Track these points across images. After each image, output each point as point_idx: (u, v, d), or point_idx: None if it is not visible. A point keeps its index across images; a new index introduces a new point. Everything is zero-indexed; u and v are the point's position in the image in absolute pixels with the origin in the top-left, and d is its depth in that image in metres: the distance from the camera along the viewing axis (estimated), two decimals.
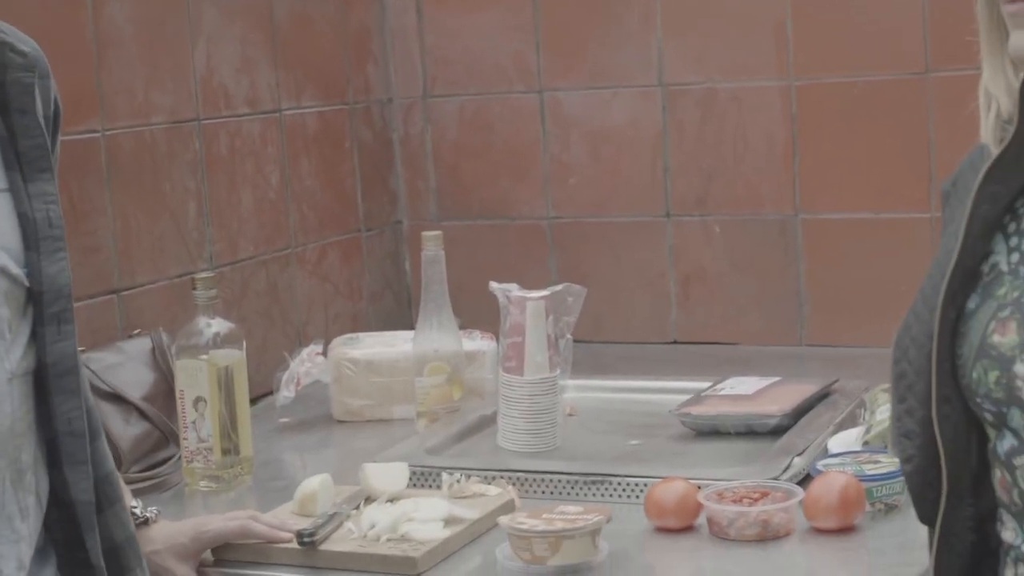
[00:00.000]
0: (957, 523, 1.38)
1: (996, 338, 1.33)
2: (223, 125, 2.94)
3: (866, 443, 2.23)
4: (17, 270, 1.49)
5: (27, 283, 1.50)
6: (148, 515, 2.00)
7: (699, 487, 2.06)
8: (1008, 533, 1.36)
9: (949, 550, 1.39)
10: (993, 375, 1.32)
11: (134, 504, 1.98)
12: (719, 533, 2.00)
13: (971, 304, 1.36)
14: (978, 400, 1.34)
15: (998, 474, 1.35)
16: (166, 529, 2.02)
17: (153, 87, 2.76)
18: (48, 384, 1.53)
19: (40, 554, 1.56)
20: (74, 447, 1.55)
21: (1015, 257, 1.35)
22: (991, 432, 1.36)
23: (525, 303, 2.40)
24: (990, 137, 1.39)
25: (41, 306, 1.51)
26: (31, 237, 1.51)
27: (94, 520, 1.58)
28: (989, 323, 1.34)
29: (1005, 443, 1.34)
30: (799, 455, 2.22)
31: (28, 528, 1.52)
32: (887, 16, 3.02)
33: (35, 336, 1.52)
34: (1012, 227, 1.37)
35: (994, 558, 1.39)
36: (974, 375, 1.34)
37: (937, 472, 1.37)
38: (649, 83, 3.24)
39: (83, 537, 1.58)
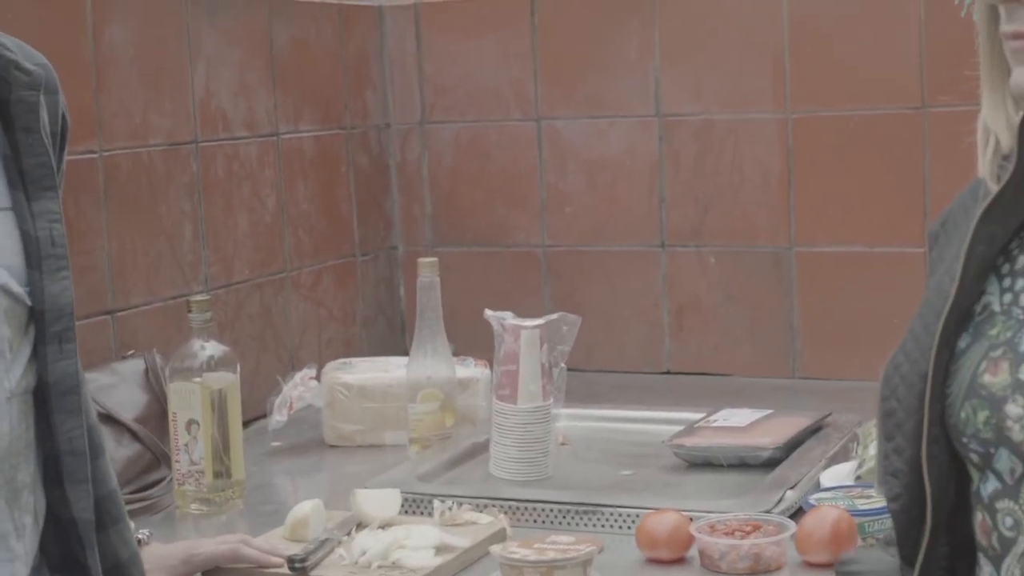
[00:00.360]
0: (932, 562, 1.38)
1: (987, 378, 1.32)
2: (220, 148, 2.94)
3: (859, 478, 2.23)
4: (19, 289, 1.48)
5: (29, 302, 1.49)
6: (140, 537, 2.00)
7: (691, 519, 2.05)
8: None
9: None
10: (982, 415, 1.32)
11: None
12: (710, 566, 2.00)
13: (962, 343, 1.36)
14: (964, 440, 1.34)
15: (979, 517, 1.35)
16: (157, 551, 2.01)
17: (152, 109, 2.77)
18: (49, 403, 1.52)
19: (35, 573, 1.55)
20: (75, 466, 1.55)
21: (1008, 297, 1.35)
22: (975, 474, 1.35)
23: (519, 331, 2.40)
24: (987, 172, 1.38)
25: (43, 325, 1.50)
26: (33, 256, 1.50)
27: (94, 539, 1.57)
28: (980, 363, 1.33)
29: (989, 486, 1.33)
30: (791, 488, 2.22)
31: (24, 547, 1.51)
32: (884, 51, 3.03)
33: (36, 355, 1.52)
34: (1006, 268, 1.37)
35: None
36: (962, 415, 1.33)
37: (920, 511, 1.37)
38: (646, 113, 3.25)
39: (78, 555, 1.57)
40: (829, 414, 2.59)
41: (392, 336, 3.45)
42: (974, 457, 1.34)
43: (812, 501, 2.12)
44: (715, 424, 2.56)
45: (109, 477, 1.63)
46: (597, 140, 3.29)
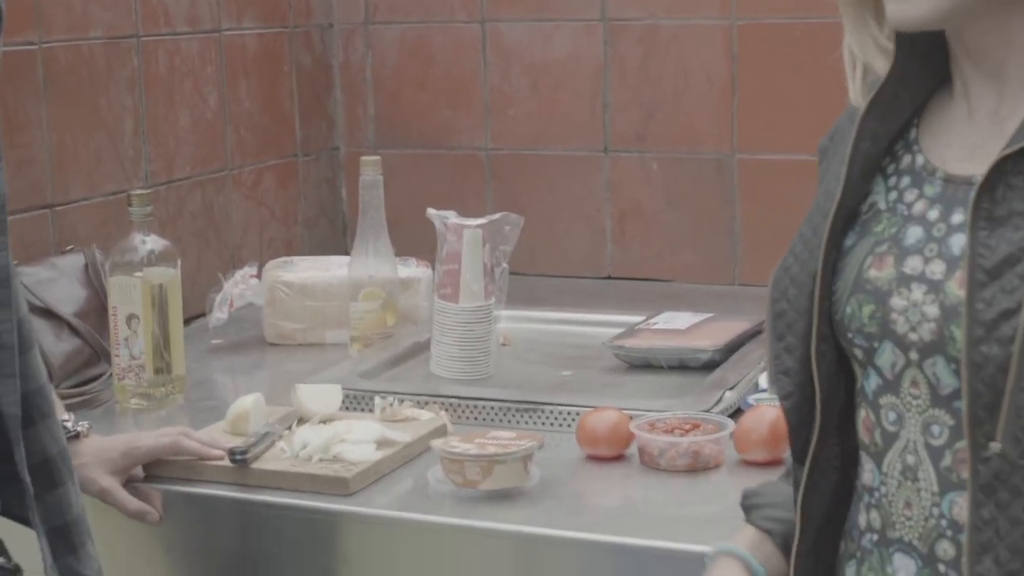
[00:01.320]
0: (824, 461, 1.40)
1: (872, 272, 1.34)
2: (162, 43, 2.91)
3: None
4: None
5: None
6: (79, 429, 1.98)
7: (631, 417, 2.07)
8: (867, 475, 1.37)
9: (815, 488, 1.41)
10: (867, 309, 1.34)
11: (65, 418, 1.96)
12: (650, 463, 2.02)
13: (848, 241, 1.38)
14: (850, 335, 1.36)
15: (863, 414, 1.37)
16: (96, 443, 2.00)
17: (92, 1, 2.73)
18: None
19: None
20: (2, 359, 1.53)
21: (893, 195, 1.37)
22: (858, 371, 1.37)
23: (462, 230, 2.40)
24: (859, 98, 1.40)
25: None
26: None
27: (20, 434, 1.56)
28: (866, 258, 1.35)
29: (871, 382, 1.35)
30: (730, 389, 2.23)
31: None
32: None
33: None
34: (891, 168, 1.39)
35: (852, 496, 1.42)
36: (848, 310, 1.35)
37: (811, 409, 1.39)
38: (592, 17, 3.23)
39: (4, 450, 1.56)
40: None
41: (333, 237, 3.44)
42: (858, 353, 1.36)
43: (751, 401, 2.14)
44: (656, 327, 2.57)
45: (38, 372, 1.61)
46: (541, 43, 3.28)
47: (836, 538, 1.43)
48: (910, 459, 1.32)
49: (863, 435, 1.38)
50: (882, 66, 1.38)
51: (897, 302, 1.32)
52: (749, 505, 1.57)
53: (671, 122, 3.19)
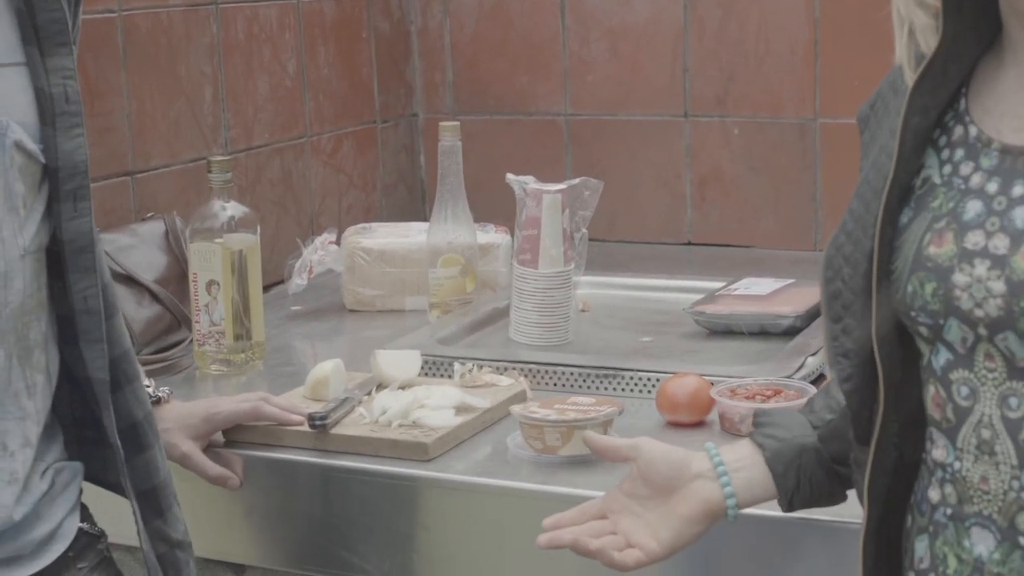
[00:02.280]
0: (886, 440, 1.38)
1: (932, 249, 1.31)
2: (240, 10, 2.91)
3: None
4: (33, 145, 1.47)
5: (43, 159, 1.48)
6: (160, 395, 2.00)
7: (711, 383, 2.05)
8: (939, 452, 1.35)
9: (879, 468, 1.39)
10: (929, 287, 1.31)
11: (147, 383, 1.96)
12: (731, 429, 2.00)
13: (904, 218, 1.35)
14: (913, 314, 1.33)
15: (931, 390, 1.34)
16: (177, 408, 2.01)
17: None
18: (64, 261, 1.52)
19: (47, 431, 1.55)
20: (90, 324, 1.55)
21: (947, 169, 1.34)
22: (924, 348, 1.35)
23: (542, 196, 2.38)
24: (905, 56, 1.37)
25: (57, 182, 1.49)
26: (47, 113, 1.48)
27: (109, 399, 1.57)
28: (924, 235, 1.32)
29: (940, 358, 1.33)
30: (812, 355, 2.21)
31: (35, 405, 1.51)
32: None
33: (50, 213, 1.50)
34: (943, 140, 1.36)
35: (911, 471, 1.40)
36: (909, 288, 1.32)
37: (872, 389, 1.37)
38: None
39: (95, 415, 1.58)
40: None
41: (412, 204, 3.44)
42: (923, 331, 1.33)
43: None
44: (736, 292, 2.56)
45: (123, 337, 1.62)
46: (620, 7, 3.25)
47: (898, 515, 1.42)
48: (985, 433, 1.30)
49: (932, 411, 1.35)
50: (922, 20, 1.34)
51: (960, 278, 1.29)
52: (756, 423, 1.64)
53: (752, 86, 3.16)
